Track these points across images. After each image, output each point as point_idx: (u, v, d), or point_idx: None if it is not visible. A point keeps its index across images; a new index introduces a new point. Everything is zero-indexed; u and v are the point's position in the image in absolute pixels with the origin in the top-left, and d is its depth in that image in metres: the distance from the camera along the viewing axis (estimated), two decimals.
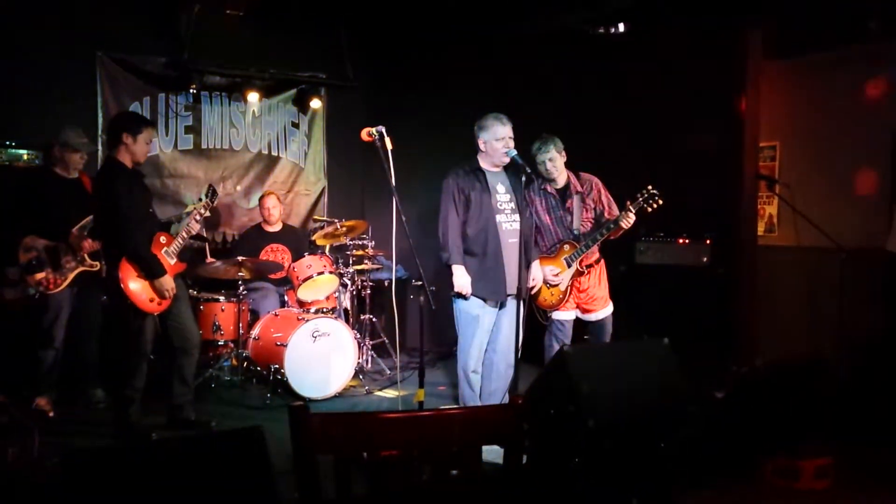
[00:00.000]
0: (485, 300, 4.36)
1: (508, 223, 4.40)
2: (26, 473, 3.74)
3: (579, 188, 4.76)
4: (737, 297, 5.57)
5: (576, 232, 4.74)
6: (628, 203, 4.55)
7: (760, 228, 6.15)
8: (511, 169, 4.44)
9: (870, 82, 5.60)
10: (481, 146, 4.38)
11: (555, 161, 4.68)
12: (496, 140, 4.30)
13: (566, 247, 4.72)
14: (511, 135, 4.33)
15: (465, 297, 4.35)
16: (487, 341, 4.47)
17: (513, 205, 4.43)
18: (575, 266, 4.69)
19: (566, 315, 4.80)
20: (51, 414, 4.70)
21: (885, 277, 5.12)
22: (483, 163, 4.41)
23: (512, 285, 4.34)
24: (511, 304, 4.38)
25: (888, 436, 4.08)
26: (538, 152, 4.66)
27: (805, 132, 5.98)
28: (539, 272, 4.67)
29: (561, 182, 4.76)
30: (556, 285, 4.72)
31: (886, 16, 5.14)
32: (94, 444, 4.22)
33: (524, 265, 4.30)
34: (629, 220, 4.52)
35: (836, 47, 5.65)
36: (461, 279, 4.30)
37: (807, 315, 5.62)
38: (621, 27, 5.78)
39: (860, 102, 5.64)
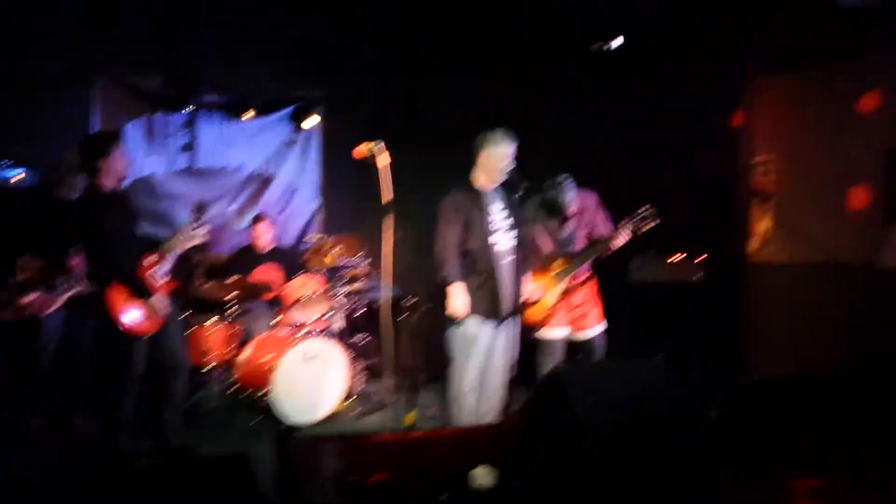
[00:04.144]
0: (483, 318, 4.31)
1: (504, 242, 4.36)
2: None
3: (577, 206, 4.78)
4: (731, 313, 5.56)
5: (569, 249, 4.74)
6: (622, 222, 4.58)
7: (755, 245, 6.15)
8: (506, 185, 4.42)
9: (863, 98, 5.62)
10: (482, 160, 4.34)
11: (574, 199, 4.72)
12: (500, 158, 4.27)
13: (557, 262, 4.72)
14: (514, 156, 4.31)
15: (480, 314, 4.25)
16: (487, 363, 4.38)
17: (509, 223, 4.39)
18: (566, 282, 4.68)
19: (557, 333, 4.76)
20: (34, 439, 4.64)
21: (878, 293, 5.11)
22: (480, 179, 4.38)
23: (508, 305, 4.31)
24: (507, 323, 4.36)
25: (881, 453, 4.03)
26: (561, 191, 4.69)
27: (800, 147, 5.99)
28: (530, 286, 4.65)
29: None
30: (539, 302, 4.69)
31: (879, 33, 5.16)
32: (80, 469, 4.18)
33: (521, 283, 4.31)
34: (621, 239, 4.55)
35: (831, 63, 5.68)
36: (458, 299, 4.22)
37: (802, 331, 5.59)
38: (616, 42, 5.79)
39: (853, 118, 5.65)
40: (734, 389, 4.32)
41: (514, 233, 4.36)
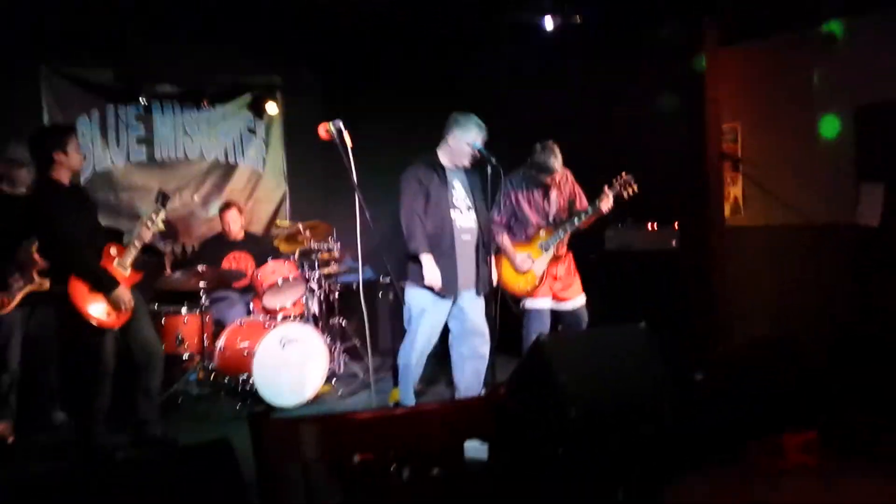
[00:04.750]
0: (436, 294, 4.29)
1: (463, 219, 4.37)
2: None
3: (558, 178, 4.81)
4: (708, 279, 5.55)
5: (552, 220, 4.80)
6: (606, 188, 4.63)
7: (726, 210, 6.14)
8: (471, 167, 4.41)
9: (827, 61, 5.62)
10: (449, 141, 4.32)
11: (560, 164, 4.73)
12: (467, 143, 4.26)
13: (542, 232, 4.78)
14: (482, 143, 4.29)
15: (430, 289, 4.25)
16: (437, 337, 4.41)
17: (468, 202, 4.40)
18: (552, 250, 4.69)
19: (541, 303, 4.78)
20: (10, 439, 4.49)
21: (855, 251, 5.13)
22: (443, 158, 4.38)
23: (465, 281, 4.32)
24: (469, 297, 4.36)
25: (864, 411, 4.05)
26: (549, 154, 4.68)
27: (765, 113, 5.98)
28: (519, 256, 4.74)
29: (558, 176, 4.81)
30: (528, 271, 4.70)
31: None
32: (57, 468, 4.06)
33: (483, 261, 4.33)
34: (607, 203, 4.61)
35: (792, 29, 5.68)
36: (431, 269, 4.21)
37: (779, 293, 5.61)
38: (578, 18, 5.76)
39: (819, 81, 5.66)
40: (717, 353, 4.33)
41: (473, 214, 4.37)
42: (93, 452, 4.07)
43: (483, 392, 4.36)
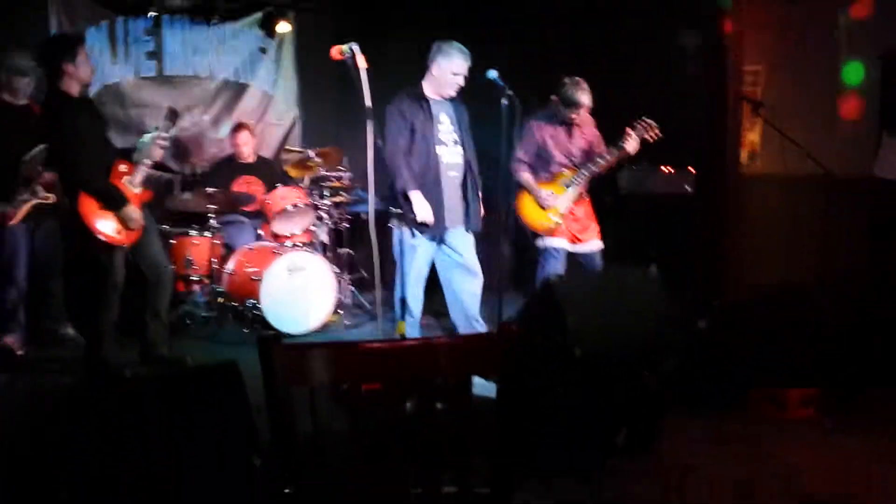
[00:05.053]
0: (422, 232, 4.21)
1: (449, 155, 4.25)
2: None
3: (583, 115, 4.75)
4: (721, 225, 5.50)
5: (575, 160, 4.75)
6: (628, 129, 4.55)
7: (742, 156, 6.04)
8: (456, 99, 4.30)
9: (856, 4, 5.44)
10: (433, 70, 4.19)
11: (588, 101, 4.65)
12: (452, 73, 4.13)
13: (566, 171, 4.73)
14: (466, 73, 4.15)
15: (419, 226, 4.15)
16: (427, 272, 4.34)
17: (455, 136, 4.28)
18: (574, 189, 4.66)
19: (559, 243, 4.74)
20: (19, 352, 4.55)
21: (872, 204, 5.05)
22: (428, 90, 4.24)
23: (452, 218, 4.23)
24: (458, 234, 4.28)
25: (870, 365, 4.05)
26: (577, 89, 4.60)
27: (791, 56, 5.83)
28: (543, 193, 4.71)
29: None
30: (552, 207, 4.66)
31: None
32: (65, 382, 4.11)
33: (473, 197, 4.27)
34: (633, 143, 4.53)
35: None
36: (421, 206, 4.11)
37: (792, 243, 5.56)
38: None
39: (847, 24, 5.49)
40: (723, 301, 4.32)
41: (460, 149, 4.27)
42: (100, 368, 4.10)
43: (488, 328, 4.36)
